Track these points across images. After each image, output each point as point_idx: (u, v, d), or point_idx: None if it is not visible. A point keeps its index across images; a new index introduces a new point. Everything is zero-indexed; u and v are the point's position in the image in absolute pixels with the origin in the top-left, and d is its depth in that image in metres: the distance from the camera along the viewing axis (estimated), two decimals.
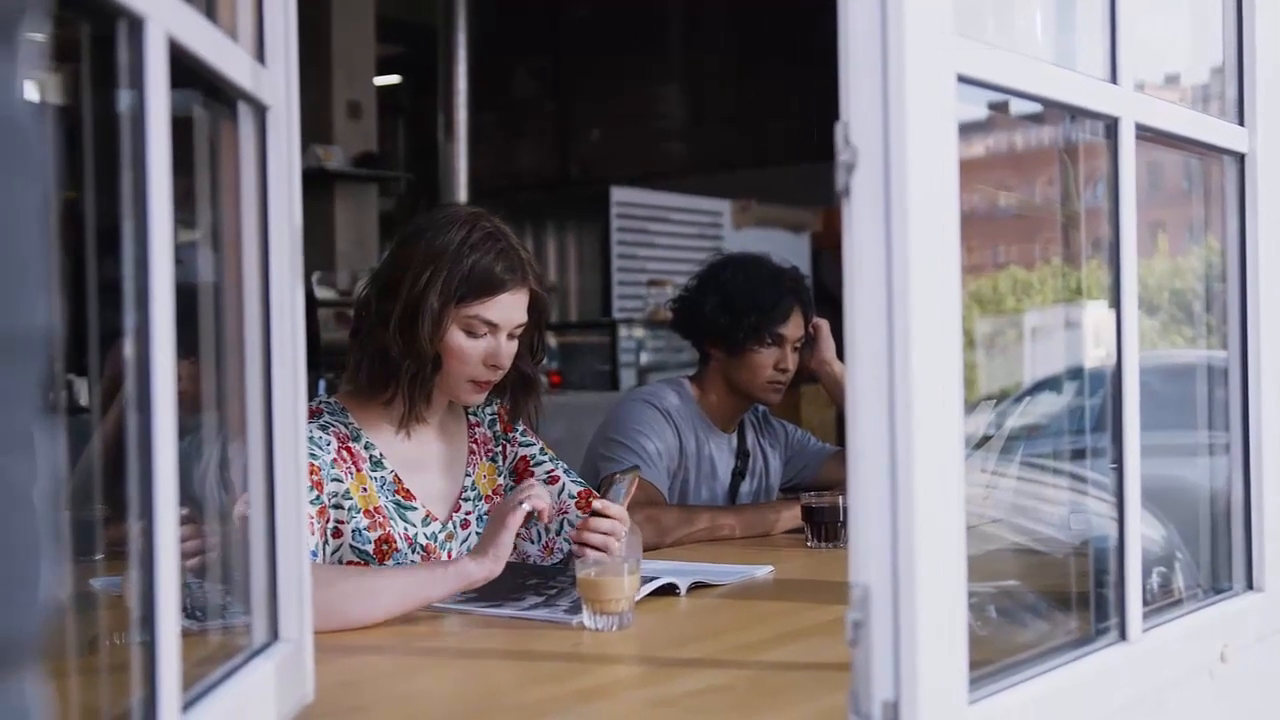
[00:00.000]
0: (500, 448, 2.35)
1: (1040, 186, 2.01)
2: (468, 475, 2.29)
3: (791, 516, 2.76)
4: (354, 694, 1.53)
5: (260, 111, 1.32)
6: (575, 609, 1.88)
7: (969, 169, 1.25)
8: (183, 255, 1.09)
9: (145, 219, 0.98)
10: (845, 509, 2.59)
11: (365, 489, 2.13)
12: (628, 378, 7.03)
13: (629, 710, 1.48)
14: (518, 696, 1.53)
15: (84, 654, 1.20)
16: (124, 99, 0.99)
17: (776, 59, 8.93)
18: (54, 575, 0.59)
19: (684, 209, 8.08)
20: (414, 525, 2.17)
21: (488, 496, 2.30)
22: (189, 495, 1.15)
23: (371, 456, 2.17)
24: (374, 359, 2.15)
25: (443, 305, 2.11)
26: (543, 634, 1.81)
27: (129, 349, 0.98)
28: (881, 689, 1.14)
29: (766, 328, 2.91)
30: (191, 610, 1.31)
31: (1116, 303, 1.50)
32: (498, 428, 2.36)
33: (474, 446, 2.32)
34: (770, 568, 2.32)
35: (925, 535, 1.14)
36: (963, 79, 1.22)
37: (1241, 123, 1.77)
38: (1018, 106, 1.50)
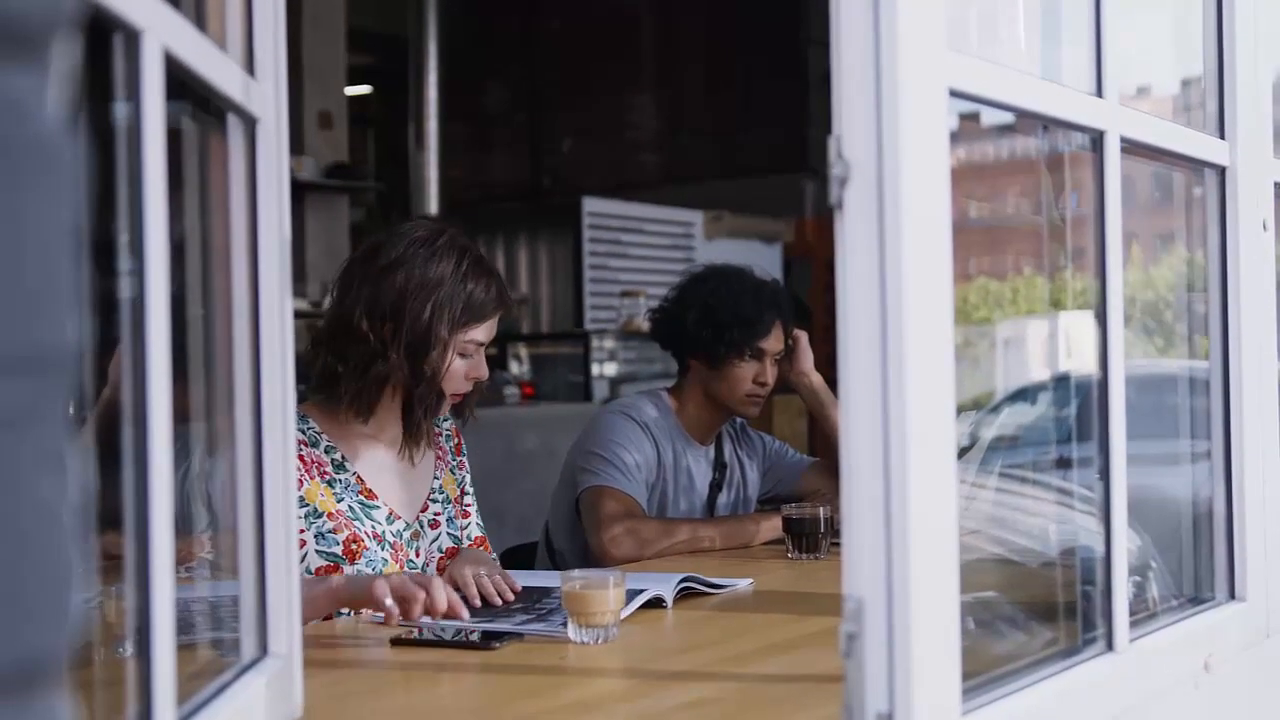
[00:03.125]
0: (456, 462, 2.44)
1: (1012, 197, 2.02)
2: (436, 478, 2.36)
3: (771, 528, 2.76)
4: (342, 709, 1.53)
5: (250, 124, 1.31)
6: (558, 626, 1.87)
7: None
8: (171, 267, 1.08)
9: (141, 231, 0.98)
10: (826, 520, 2.59)
11: (324, 494, 2.17)
12: (600, 389, 7.02)
13: None
14: (506, 711, 1.52)
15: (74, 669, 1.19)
16: (119, 110, 0.99)
17: (749, 70, 8.96)
18: (81, 592, 0.59)
19: (656, 220, 8.08)
20: (379, 523, 2.22)
21: (454, 500, 2.38)
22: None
23: (334, 460, 2.22)
24: (375, 385, 2.19)
25: (450, 335, 2.20)
26: (529, 648, 1.81)
27: (125, 362, 0.97)
28: (875, 700, 1.14)
29: (748, 342, 2.91)
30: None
31: (1102, 314, 1.50)
32: (452, 445, 2.44)
33: (440, 453, 2.40)
34: (750, 580, 2.32)
35: (919, 547, 1.14)
36: (954, 93, 1.22)
37: (1222, 136, 1.78)
38: (989, 117, 1.51)
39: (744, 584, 2.30)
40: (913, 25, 1.14)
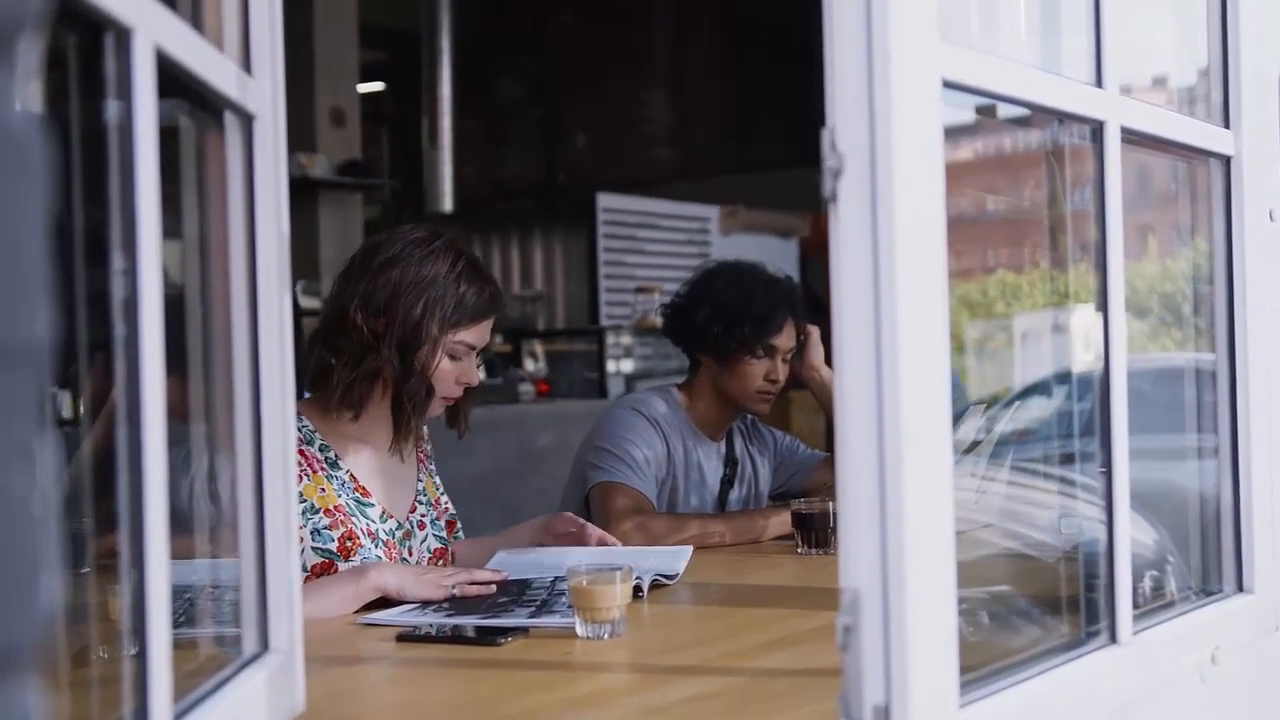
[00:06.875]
0: (433, 466, 2.48)
1: (1029, 190, 2.02)
2: (419, 481, 2.41)
3: (781, 523, 2.76)
4: (343, 705, 1.53)
5: (247, 121, 1.31)
6: (571, 613, 1.87)
7: (957, 172, 1.25)
8: (168, 266, 1.08)
9: (134, 230, 0.98)
10: (835, 515, 2.58)
11: (324, 489, 2.22)
12: (615, 385, 7.02)
13: (622, 718, 1.48)
14: (510, 706, 1.52)
15: (71, 666, 1.20)
16: (111, 109, 0.99)
17: (762, 63, 8.95)
18: (54, 585, 0.60)
19: (671, 215, 8.07)
20: (373, 521, 2.26)
21: (434, 504, 2.42)
22: (177, 508, 1.15)
23: (327, 458, 2.25)
24: (366, 379, 2.23)
25: (440, 333, 2.22)
26: (534, 643, 1.81)
27: (119, 361, 0.98)
28: (872, 693, 1.14)
29: (759, 339, 2.90)
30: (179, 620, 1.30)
31: (1104, 305, 1.50)
32: (429, 453, 2.48)
33: (422, 457, 2.44)
34: (688, 548, 2.35)
35: (915, 539, 1.14)
36: (948, 84, 1.22)
37: (1227, 125, 1.77)
38: (1004, 110, 1.50)
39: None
40: (904, 16, 1.14)
